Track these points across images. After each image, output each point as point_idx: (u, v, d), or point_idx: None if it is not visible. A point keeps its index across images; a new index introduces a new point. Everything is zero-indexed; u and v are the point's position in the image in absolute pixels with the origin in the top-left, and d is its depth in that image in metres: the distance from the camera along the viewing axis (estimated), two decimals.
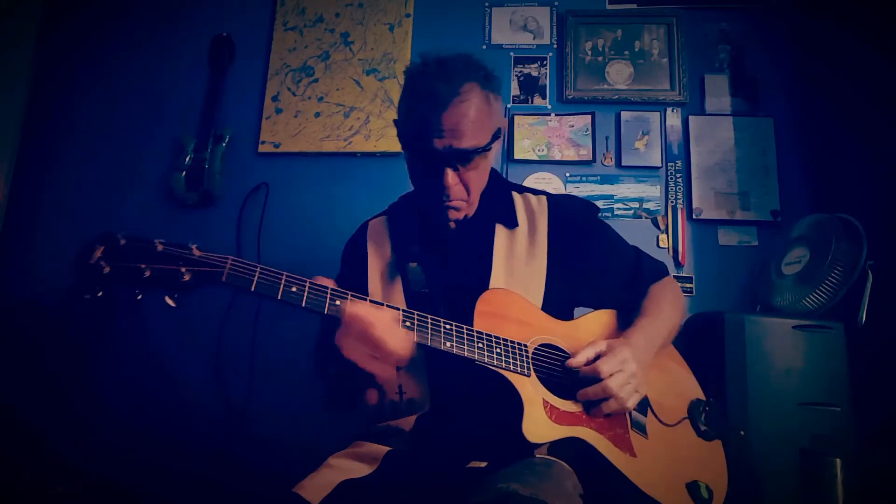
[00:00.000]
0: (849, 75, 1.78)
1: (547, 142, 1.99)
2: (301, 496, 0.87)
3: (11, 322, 1.85)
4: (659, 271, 1.20)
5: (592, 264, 1.12)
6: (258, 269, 0.82)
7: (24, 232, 2.08)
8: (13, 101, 2.14)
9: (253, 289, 0.80)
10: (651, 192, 1.94)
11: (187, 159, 2.04)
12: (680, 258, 1.86)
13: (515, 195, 1.16)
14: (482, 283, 1.01)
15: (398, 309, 0.88)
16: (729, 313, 1.49)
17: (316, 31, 2.15)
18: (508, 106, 2.03)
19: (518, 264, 1.06)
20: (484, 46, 2.10)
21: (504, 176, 1.80)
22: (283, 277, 0.83)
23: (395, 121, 1.08)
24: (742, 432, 1.36)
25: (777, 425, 1.37)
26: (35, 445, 1.71)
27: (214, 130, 2.06)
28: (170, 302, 0.79)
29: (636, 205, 1.93)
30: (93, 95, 2.18)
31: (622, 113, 1.99)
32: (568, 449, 0.92)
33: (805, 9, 1.97)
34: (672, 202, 1.92)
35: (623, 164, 1.96)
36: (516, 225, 1.10)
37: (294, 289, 0.83)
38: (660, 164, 1.95)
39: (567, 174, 1.97)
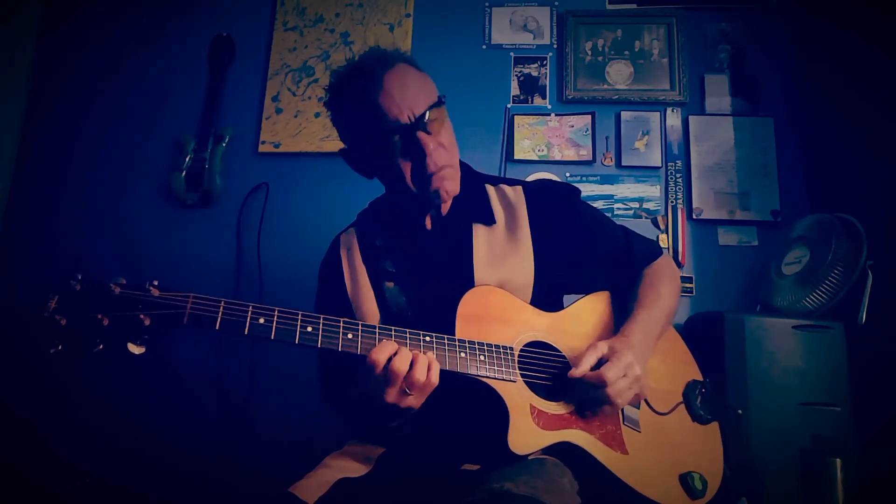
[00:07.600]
0: (849, 75, 1.78)
1: (547, 142, 1.99)
2: (297, 496, 0.87)
3: (12, 321, 1.85)
4: (651, 251, 1.17)
5: (580, 249, 1.09)
6: (222, 305, 0.77)
7: (24, 232, 2.08)
8: (13, 101, 2.14)
9: (218, 327, 0.76)
10: (651, 192, 1.94)
11: (187, 159, 2.04)
12: (680, 258, 1.86)
13: (489, 188, 1.13)
14: (466, 287, 0.97)
15: (375, 328, 0.85)
16: (729, 313, 1.49)
17: (316, 31, 2.14)
18: (508, 106, 2.03)
19: (501, 260, 1.04)
20: (484, 46, 2.10)
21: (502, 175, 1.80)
22: (250, 310, 0.78)
23: (341, 150, 1.11)
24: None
25: (777, 425, 1.37)
26: (35, 445, 1.71)
27: (214, 130, 2.06)
28: (134, 350, 0.73)
29: (636, 205, 1.93)
30: (93, 95, 2.17)
31: (622, 113, 1.99)
32: (558, 450, 0.91)
33: (805, 9, 1.97)
34: (672, 202, 1.92)
35: (623, 164, 1.95)
36: (493, 221, 1.07)
37: (262, 320, 0.78)
38: (660, 164, 1.95)
39: (567, 174, 1.97)
